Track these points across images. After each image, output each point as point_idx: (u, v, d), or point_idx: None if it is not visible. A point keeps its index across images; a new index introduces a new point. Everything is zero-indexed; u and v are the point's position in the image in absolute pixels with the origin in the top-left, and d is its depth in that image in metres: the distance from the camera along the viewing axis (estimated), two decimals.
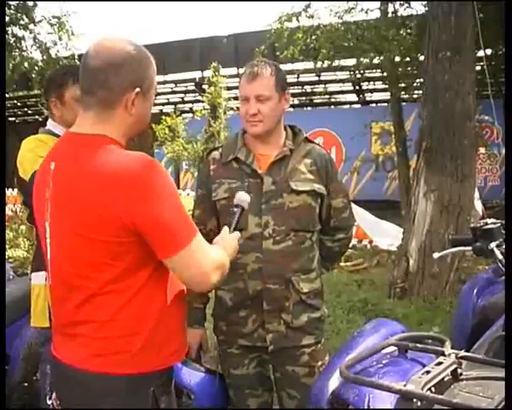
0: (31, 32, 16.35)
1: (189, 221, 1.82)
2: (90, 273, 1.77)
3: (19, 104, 20.43)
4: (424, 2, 10.22)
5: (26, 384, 3.23)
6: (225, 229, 2.13)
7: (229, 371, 2.71)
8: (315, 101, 18.71)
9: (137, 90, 1.82)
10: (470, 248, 2.75)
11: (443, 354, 1.72)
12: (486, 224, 2.57)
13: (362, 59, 11.22)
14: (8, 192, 11.31)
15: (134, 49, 1.84)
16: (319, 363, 2.61)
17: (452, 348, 1.77)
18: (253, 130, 2.62)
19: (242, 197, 2.24)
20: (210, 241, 2.53)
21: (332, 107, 19.48)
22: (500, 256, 2.47)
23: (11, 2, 15.43)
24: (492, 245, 2.48)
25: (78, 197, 1.74)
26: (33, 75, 15.85)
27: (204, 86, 14.57)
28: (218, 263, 1.87)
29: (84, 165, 1.75)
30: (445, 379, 1.62)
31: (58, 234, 1.83)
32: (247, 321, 2.62)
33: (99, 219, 1.72)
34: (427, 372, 1.59)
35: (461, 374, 1.68)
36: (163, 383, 1.91)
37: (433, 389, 1.55)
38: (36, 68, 15.90)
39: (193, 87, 16.62)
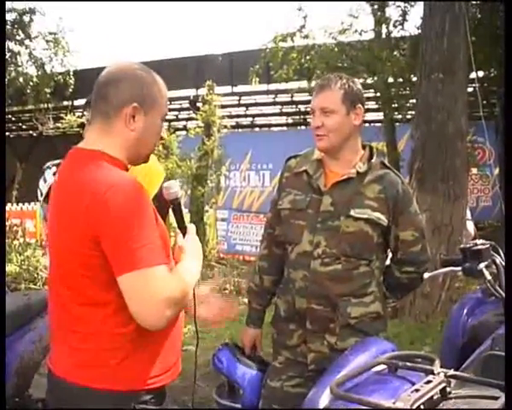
0: (26, 48, 16.47)
1: (155, 249, 1.75)
2: (74, 283, 1.80)
3: (13, 119, 20.40)
4: (417, 25, 10.32)
5: (17, 399, 3.22)
6: (192, 228, 2.03)
7: (266, 383, 2.68)
8: (309, 120, 18.75)
9: (135, 104, 1.85)
10: (460, 268, 2.77)
11: (432, 372, 1.73)
12: (476, 245, 2.59)
13: (356, 79, 11.27)
14: None
15: (139, 69, 1.91)
16: None
17: (442, 367, 1.78)
18: (319, 144, 2.58)
19: (172, 188, 2.05)
20: (277, 245, 2.66)
21: None
22: (489, 277, 2.49)
23: (7, 18, 15.51)
24: (481, 266, 2.50)
25: (65, 209, 1.81)
26: (28, 91, 15.92)
27: (198, 104, 14.61)
28: (178, 298, 1.77)
29: (73, 179, 1.81)
30: (434, 397, 1.63)
31: (52, 243, 1.90)
32: (294, 335, 2.61)
33: (76, 231, 1.76)
34: (417, 391, 1.60)
35: (449, 393, 1.69)
36: (147, 404, 1.87)
37: (422, 407, 1.56)
38: (30, 84, 15.97)
39: (187, 105, 16.64)
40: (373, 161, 2.59)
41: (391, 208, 2.53)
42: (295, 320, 2.60)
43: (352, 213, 2.49)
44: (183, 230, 2.02)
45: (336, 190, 2.54)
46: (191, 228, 2.03)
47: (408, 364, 1.84)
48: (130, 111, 1.86)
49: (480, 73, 9.97)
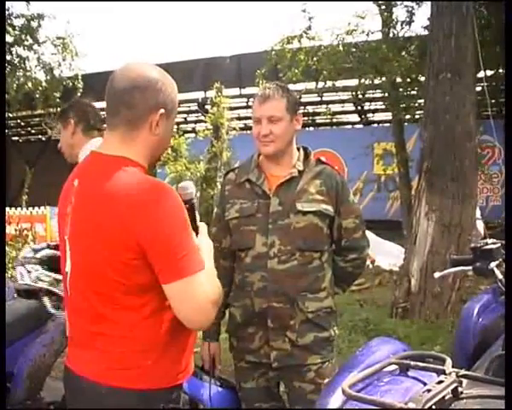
0: (35, 53, 16.49)
1: (196, 254, 1.81)
2: (105, 289, 1.81)
3: (22, 124, 20.49)
4: (425, 25, 10.28)
5: (29, 402, 3.24)
6: (204, 227, 2.05)
7: (240, 385, 2.79)
8: (317, 121, 18.75)
9: (162, 111, 1.88)
10: (470, 268, 2.77)
11: (444, 372, 1.72)
12: (486, 244, 2.58)
13: (363, 80, 11.27)
14: (11, 211, 11.33)
15: (158, 72, 1.91)
16: (326, 380, 2.60)
17: (453, 366, 1.78)
18: (266, 150, 2.69)
19: (188, 189, 2.05)
20: (224, 257, 2.74)
21: (334, 127, 19.50)
22: (500, 276, 2.48)
23: (15, 23, 15.58)
24: (492, 265, 2.49)
25: (94, 215, 1.80)
26: (37, 95, 15.96)
27: (207, 106, 14.63)
28: (217, 298, 1.85)
29: (102, 185, 1.80)
30: (446, 397, 1.63)
31: (76, 248, 1.88)
32: (255, 338, 2.69)
33: (111, 237, 1.76)
34: (428, 391, 1.60)
35: (461, 392, 1.68)
36: (172, 401, 1.92)
37: (433, 407, 1.55)
38: (39, 89, 16.00)
39: (196, 107, 16.69)
40: (310, 159, 2.77)
41: (334, 199, 2.70)
42: (254, 323, 2.70)
43: (300, 207, 2.64)
44: (196, 230, 2.01)
45: (282, 191, 2.68)
46: (203, 227, 2.06)
47: (419, 364, 1.83)
48: (157, 118, 1.87)
49: (489, 72, 9.94)
